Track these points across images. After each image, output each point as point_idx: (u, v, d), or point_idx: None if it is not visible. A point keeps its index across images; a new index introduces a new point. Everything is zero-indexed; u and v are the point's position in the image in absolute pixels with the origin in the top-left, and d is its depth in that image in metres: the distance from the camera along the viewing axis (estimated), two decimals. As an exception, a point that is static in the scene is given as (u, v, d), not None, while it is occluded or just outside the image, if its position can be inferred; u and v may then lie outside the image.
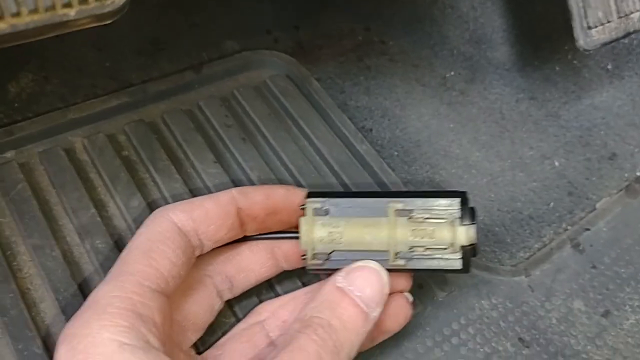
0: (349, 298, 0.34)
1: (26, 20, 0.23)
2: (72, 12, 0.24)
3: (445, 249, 0.35)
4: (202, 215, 0.34)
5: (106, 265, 0.39)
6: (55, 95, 0.49)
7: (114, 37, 0.54)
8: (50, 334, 0.37)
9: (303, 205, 0.36)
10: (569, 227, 0.48)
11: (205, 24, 0.57)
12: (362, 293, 0.34)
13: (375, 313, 0.34)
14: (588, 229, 0.48)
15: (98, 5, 0.24)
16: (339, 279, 0.34)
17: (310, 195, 0.36)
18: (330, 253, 0.35)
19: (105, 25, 0.55)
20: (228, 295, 0.38)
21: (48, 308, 0.38)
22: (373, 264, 0.35)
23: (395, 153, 0.51)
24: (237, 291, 0.38)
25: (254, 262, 0.38)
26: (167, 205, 0.35)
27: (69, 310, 0.37)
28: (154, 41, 0.55)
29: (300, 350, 0.31)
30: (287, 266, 0.39)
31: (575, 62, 0.59)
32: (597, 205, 0.50)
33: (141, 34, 0.55)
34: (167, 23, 0.56)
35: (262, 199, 0.36)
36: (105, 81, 0.51)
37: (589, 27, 0.47)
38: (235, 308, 0.39)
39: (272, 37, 0.57)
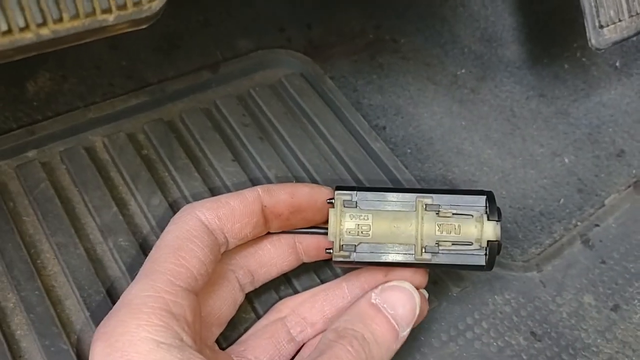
0: (383, 315, 0.35)
1: (67, 26, 0.24)
2: (110, 18, 0.25)
3: (471, 244, 0.36)
4: (228, 213, 0.35)
5: (129, 263, 0.40)
6: (74, 94, 0.49)
7: (129, 35, 0.54)
8: (75, 331, 0.38)
9: (331, 198, 0.37)
10: (579, 223, 0.49)
11: (219, 22, 0.58)
12: (394, 311, 0.35)
13: (404, 333, 0.35)
14: (597, 225, 0.49)
15: (136, 10, 0.25)
16: (373, 295, 0.36)
17: (339, 188, 0.37)
18: (357, 245, 0.36)
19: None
20: (249, 288, 0.39)
21: (73, 305, 0.39)
22: (407, 285, 0.36)
23: (409, 151, 0.52)
24: (258, 284, 0.39)
25: (275, 257, 0.39)
26: (194, 203, 0.36)
27: (93, 307, 0.38)
28: (169, 39, 0.55)
29: (337, 358, 0.32)
30: (307, 259, 0.40)
31: (584, 59, 0.60)
32: (606, 202, 0.51)
33: (156, 31, 0.55)
34: (180, 21, 0.57)
35: (287, 197, 0.37)
36: (122, 80, 0.51)
37: (601, 26, 0.47)
38: (255, 303, 0.40)
39: (285, 36, 0.58)
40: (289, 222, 0.38)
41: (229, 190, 0.45)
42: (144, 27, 0.26)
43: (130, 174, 0.44)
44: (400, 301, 0.35)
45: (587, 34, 0.47)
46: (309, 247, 0.39)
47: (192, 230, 0.34)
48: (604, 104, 0.58)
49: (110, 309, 0.36)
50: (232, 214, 0.35)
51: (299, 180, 0.47)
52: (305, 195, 0.37)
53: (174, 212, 0.43)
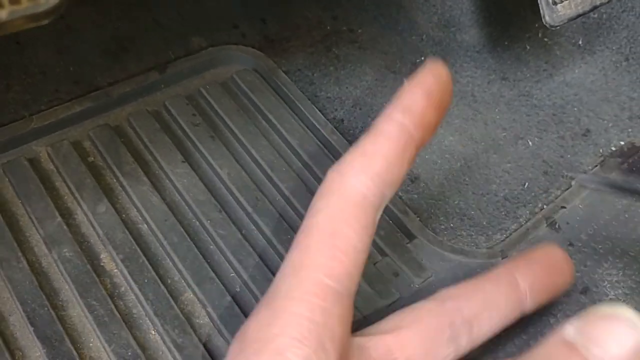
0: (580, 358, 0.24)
1: (-48, 25, 0.23)
2: (3, 14, 0.23)
3: None
4: (384, 169, 0.28)
5: (74, 274, 0.39)
6: (18, 103, 0.48)
7: (76, 38, 0.53)
8: (20, 347, 0.36)
9: None
10: (545, 206, 0.48)
11: (170, 20, 0.56)
12: (603, 352, 0.24)
13: None
14: (564, 207, 0.48)
15: (31, 5, 0.24)
16: (569, 329, 0.25)
17: None
18: None
19: (67, 26, 0.54)
20: (463, 344, 0.30)
21: (17, 321, 0.37)
22: (627, 313, 0.24)
23: (368, 142, 0.50)
24: (477, 339, 0.31)
25: (498, 296, 0.31)
26: (339, 166, 0.29)
27: (38, 322, 0.37)
28: (118, 41, 0.54)
29: None
30: (531, 304, 0.33)
31: (545, 39, 0.59)
32: (573, 183, 0.50)
33: (104, 33, 0.54)
34: (130, 21, 0.55)
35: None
36: (69, 85, 0.50)
37: (555, 3, 0.46)
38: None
39: (239, 32, 0.57)
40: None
41: (179, 194, 0.44)
42: (45, 22, 0.24)
43: (75, 182, 0.42)
44: (615, 338, 0.24)
45: (541, 11, 0.46)
46: (535, 281, 0.31)
47: (348, 208, 0.27)
48: (568, 84, 0.57)
49: (55, 322, 0.35)
50: (389, 168, 0.28)
51: (252, 179, 0.45)
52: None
53: (122, 219, 0.41)
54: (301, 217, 0.44)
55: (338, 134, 0.48)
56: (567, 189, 0.49)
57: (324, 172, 0.46)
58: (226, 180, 0.45)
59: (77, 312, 0.38)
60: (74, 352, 0.36)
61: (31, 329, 0.36)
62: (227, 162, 0.45)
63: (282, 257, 0.42)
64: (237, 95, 0.50)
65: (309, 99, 0.51)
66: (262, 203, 0.44)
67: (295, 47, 0.56)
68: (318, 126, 0.49)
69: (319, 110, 0.50)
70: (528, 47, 0.58)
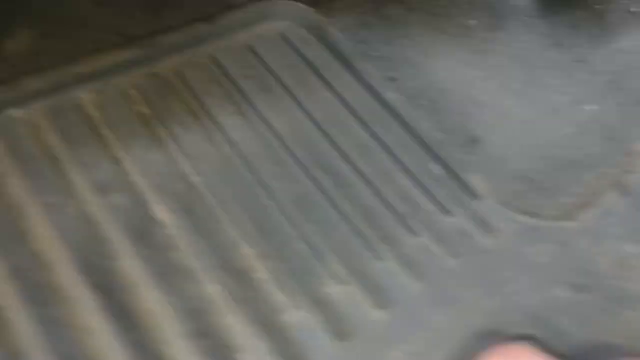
0: None
1: None
2: None
3: None
4: None
5: (126, 223, 0.36)
6: (58, 52, 0.45)
7: (116, -8, 0.51)
8: (70, 298, 0.34)
9: None
10: (611, 171, 0.46)
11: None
12: None
13: None
14: (631, 172, 0.46)
15: None
16: None
17: None
18: None
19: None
20: None
21: (64, 269, 0.35)
22: None
23: (423, 102, 0.48)
24: None
25: None
26: None
27: (88, 270, 0.34)
28: (159, -4, 0.51)
29: None
30: None
31: (597, 6, 0.57)
32: (638, 148, 0.48)
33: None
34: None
35: None
36: (111, 37, 0.47)
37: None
38: None
39: (285, -11, 0.54)
40: None
41: (233, 146, 0.41)
42: None
43: (123, 130, 0.40)
44: None
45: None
46: None
47: None
48: (623, 50, 0.55)
49: (107, 271, 0.32)
50: None
51: (305, 134, 0.43)
52: None
53: (173, 170, 0.39)
54: (359, 172, 0.42)
55: (394, 92, 0.46)
56: (632, 154, 0.47)
57: (381, 129, 0.44)
58: (282, 134, 0.42)
59: (130, 263, 0.35)
60: (130, 304, 0.33)
61: (81, 278, 0.34)
62: (282, 116, 0.43)
63: (340, 212, 0.40)
64: (288, 51, 0.48)
65: (361, 57, 0.48)
66: (316, 158, 0.41)
67: (343, 5, 0.54)
68: (373, 84, 0.46)
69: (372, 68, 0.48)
70: (581, 14, 0.56)
